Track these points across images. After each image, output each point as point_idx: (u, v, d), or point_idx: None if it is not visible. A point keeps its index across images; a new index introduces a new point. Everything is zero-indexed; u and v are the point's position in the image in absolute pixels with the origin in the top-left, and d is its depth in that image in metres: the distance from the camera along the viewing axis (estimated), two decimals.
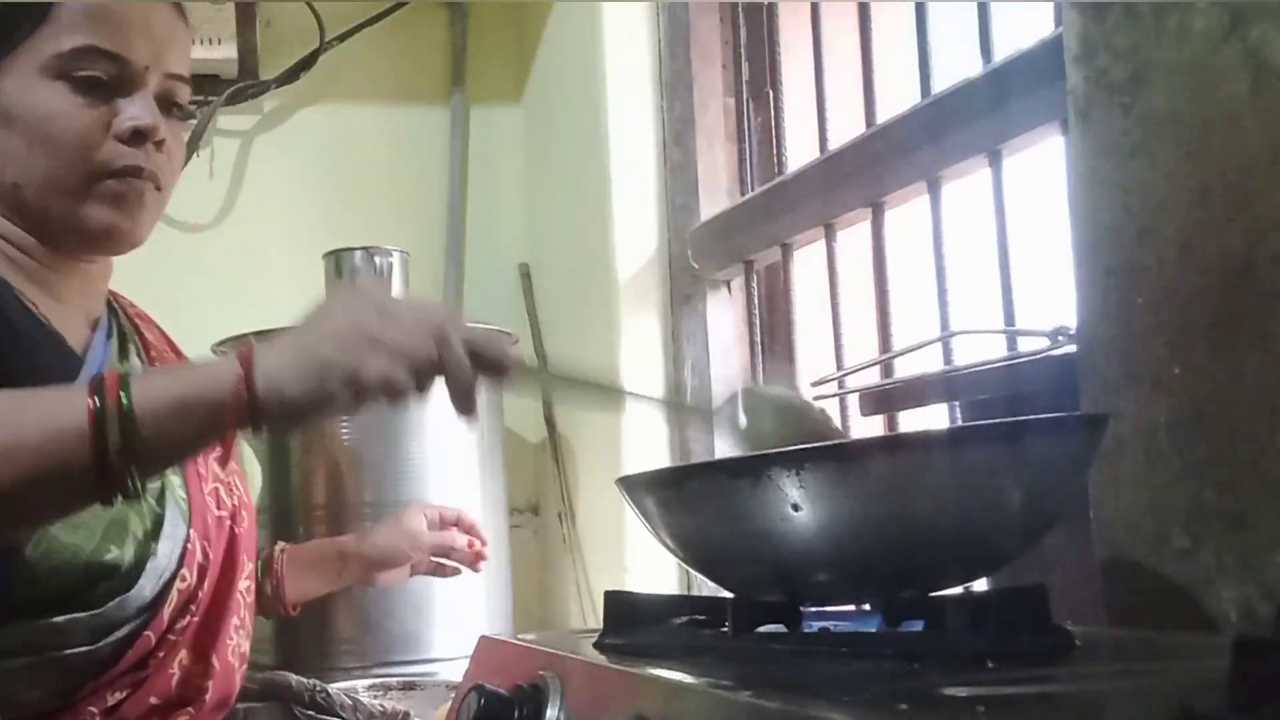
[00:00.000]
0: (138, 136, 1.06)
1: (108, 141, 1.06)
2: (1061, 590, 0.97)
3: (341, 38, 2.42)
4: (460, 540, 1.54)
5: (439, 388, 0.88)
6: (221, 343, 1.90)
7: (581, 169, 2.17)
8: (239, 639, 1.18)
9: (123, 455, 0.83)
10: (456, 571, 1.58)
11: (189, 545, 1.10)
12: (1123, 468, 0.92)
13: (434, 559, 1.54)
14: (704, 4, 1.94)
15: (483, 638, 1.00)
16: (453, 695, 1.06)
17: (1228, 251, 0.83)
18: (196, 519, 1.12)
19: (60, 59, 1.04)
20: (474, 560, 1.56)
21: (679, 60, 1.96)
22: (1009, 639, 0.74)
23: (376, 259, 2.18)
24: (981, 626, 0.74)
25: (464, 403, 0.89)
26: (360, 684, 1.58)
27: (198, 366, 0.93)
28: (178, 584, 1.09)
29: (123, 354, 1.17)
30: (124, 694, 1.06)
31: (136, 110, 1.06)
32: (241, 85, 2.34)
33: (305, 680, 1.06)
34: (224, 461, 1.16)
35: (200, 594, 1.11)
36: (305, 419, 0.89)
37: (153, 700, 1.08)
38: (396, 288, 2.20)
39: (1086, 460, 0.81)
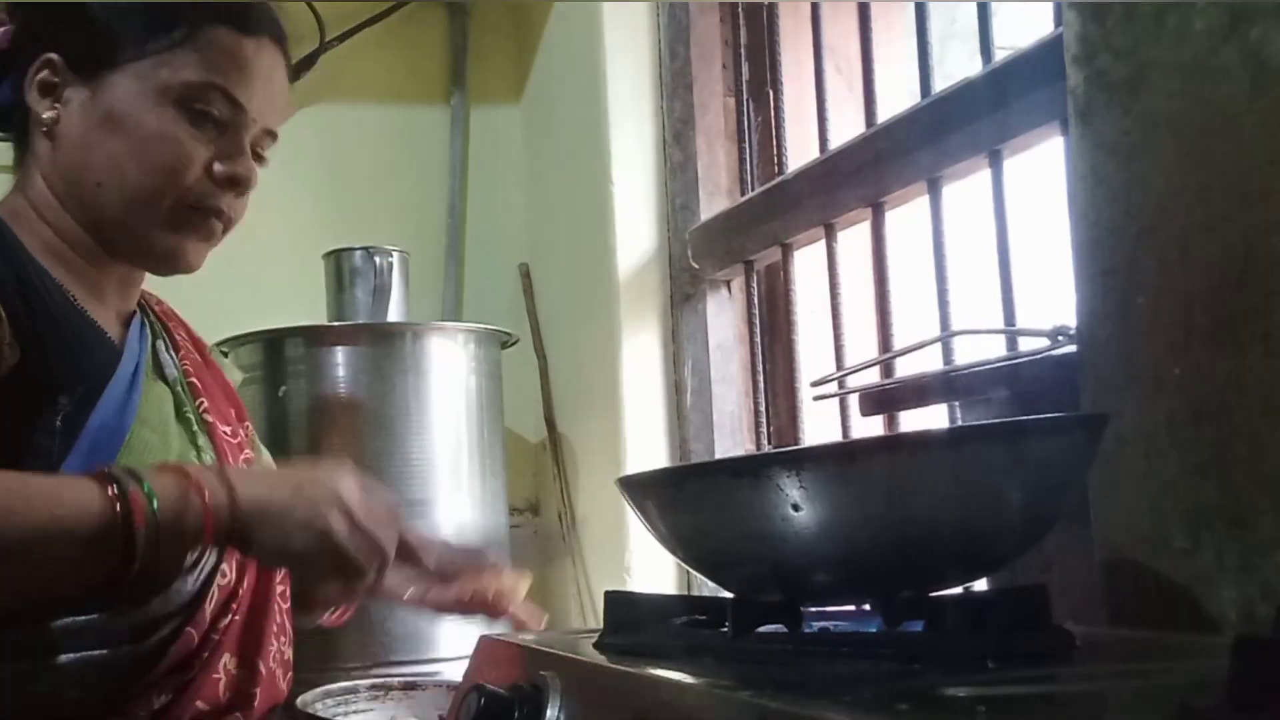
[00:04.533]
0: (231, 184, 1.10)
1: (203, 177, 1.08)
2: (1061, 590, 0.97)
3: (341, 38, 2.42)
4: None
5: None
6: (221, 342, 1.90)
7: (581, 169, 2.17)
8: (280, 644, 1.17)
9: (142, 572, 0.91)
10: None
11: None
12: (1123, 468, 0.92)
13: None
14: (704, 4, 1.94)
15: (483, 638, 1.00)
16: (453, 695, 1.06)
17: (1228, 251, 0.83)
18: None
19: (184, 87, 1.06)
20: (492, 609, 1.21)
21: (679, 60, 1.96)
22: (1009, 639, 0.74)
23: (376, 259, 2.18)
24: (981, 626, 0.74)
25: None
26: (361, 684, 1.57)
27: (167, 475, 0.96)
28: (218, 579, 1.08)
29: (155, 351, 1.17)
30: (169, 697, 1.05)
31: (238, 162, 1.10)
32: None
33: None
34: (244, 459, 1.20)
35: (240, 591, 1.11)
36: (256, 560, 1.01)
37: (200, 705, 1.07)
38: (396, 287, 2.20)
39: (1086, 460, 0.81)
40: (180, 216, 1.09)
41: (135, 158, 1.06)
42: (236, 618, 1.10)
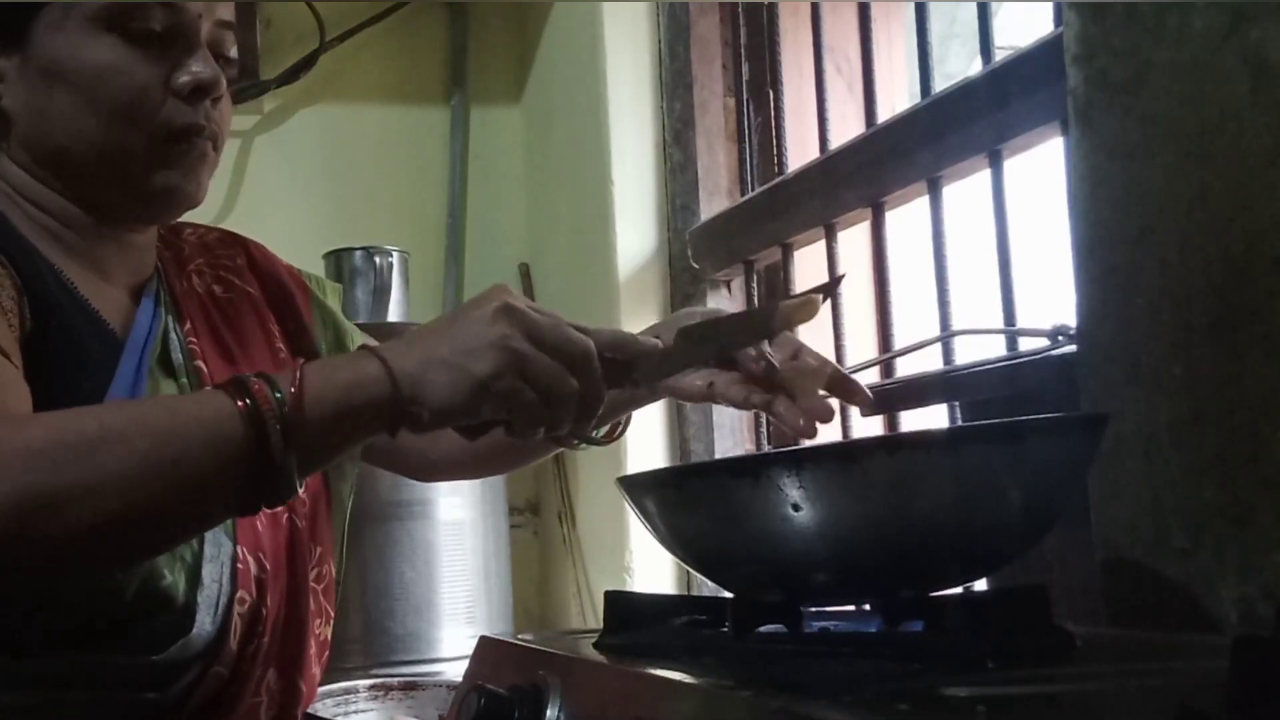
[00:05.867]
0: (198, 93, 0.99)
1: (167, 99, 0.98)
2: (1061, 590, 0.97)
3: (341, 38, 2.42)
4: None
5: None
6: None
7: (581, 169, 2.17)
8: (318, 630, 1.10)
9: (286, 452, 0.78)
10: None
11: (239, 564, 1.00)
12: (1123, 468, 0.92)
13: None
14: (704, 4, 1.94)
15: (483, 638, 1.00)
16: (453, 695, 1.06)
17: (1228, 251, 0.83)
18: (242, 531, 1.02)
19: (111, 10, 0.96)
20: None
21: (679, 60, 1.96)
22: (1009, 639, 0.74)
23: (376, 259, 2.18)
24: (981, 627, 0.74)
25: (586, 427, 0.87)
26: (361, 684, 1.58)
27: (342, 363, 0.86)
28: (236, 608, 0.99)
29: (166, 332, 1.08)
30: None
31: (196, 65, 0.99)
32: (241, 85, 2.34)
33: None
34: None
35: (265, 610, 1.02)
36: (441, 427, 0.85)
37: None
38: (396, 288, 2.20)
39: (1086, 460, 0.81)
40: (161, 149, 0.99)
41: (88, 105, 0.97)
42: (265, 639, 1.02)
